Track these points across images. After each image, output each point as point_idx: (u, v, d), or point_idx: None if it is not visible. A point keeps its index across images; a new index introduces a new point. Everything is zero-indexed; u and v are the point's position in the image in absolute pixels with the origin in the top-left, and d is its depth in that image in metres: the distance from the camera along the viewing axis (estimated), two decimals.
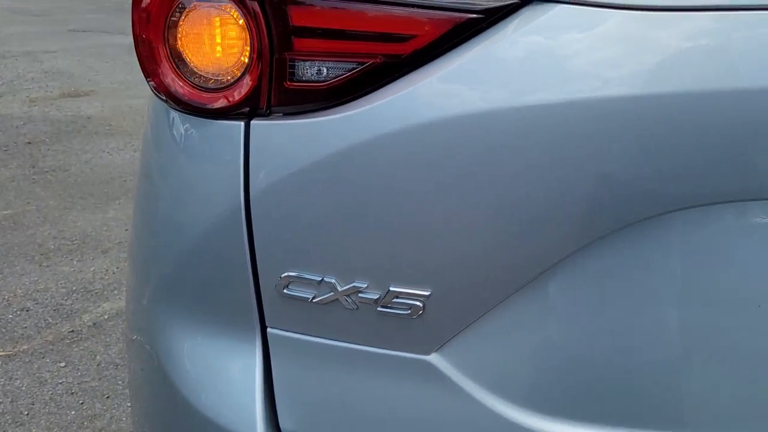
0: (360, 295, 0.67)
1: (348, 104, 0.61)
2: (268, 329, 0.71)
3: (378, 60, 0.59)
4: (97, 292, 2.58)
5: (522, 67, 0.56)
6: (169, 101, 0.65)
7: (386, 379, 0.69)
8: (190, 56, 0.63)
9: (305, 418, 0.72)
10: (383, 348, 0.69)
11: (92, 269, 2.76)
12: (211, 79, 0.63)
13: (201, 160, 0.67)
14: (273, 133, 0.64)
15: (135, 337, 0.83)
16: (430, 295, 0.64)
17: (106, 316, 2.41)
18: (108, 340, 2.26)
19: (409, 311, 0.66)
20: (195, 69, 0.63)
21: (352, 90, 0.60)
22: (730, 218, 0.59)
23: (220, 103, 0.62)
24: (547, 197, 0.58)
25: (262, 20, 0.60)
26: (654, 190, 0.57)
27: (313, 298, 0.68)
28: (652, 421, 0.64)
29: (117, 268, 2.79)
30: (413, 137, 0.59)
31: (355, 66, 0.60)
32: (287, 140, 0.63)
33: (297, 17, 0.59)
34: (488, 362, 0.66)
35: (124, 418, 1.87)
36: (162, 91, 0.65)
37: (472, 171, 0.58)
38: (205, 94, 0.63)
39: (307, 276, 0.67)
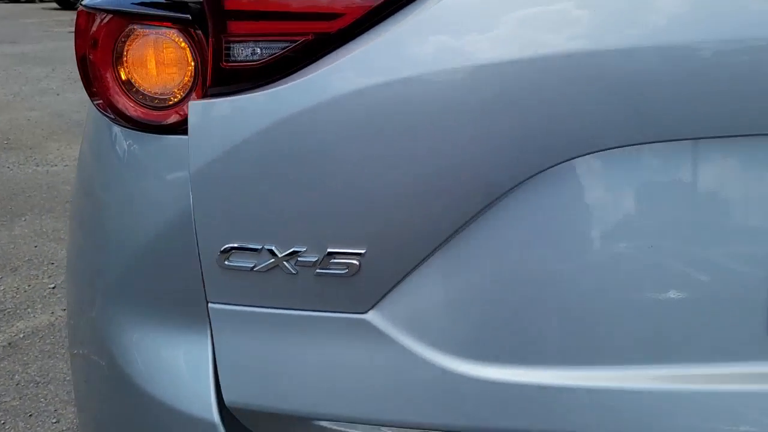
0: (299, 259, 0.70)
1: (280, 81, 0.66)
2: (210, 304, 0.74)
3: (309, 38, 0.65)
4: (9, 312, 2.50)
5: (436, 36, 0.63)
6: (119, 119, 0.71)
7: (326, 342, 0.72)
8: (137, 78, 0.69)
9: (249, 390, 0.74)
10: (322, 311, 0.72)
11: (2, 288, 2.67)
12: (157, 98, 0.70)
13: (150, 169, 0.72)
14: (210, 111, 0.68)
15: (81, 348, 0.86)
16: (364, 253, 0.68)
17: (21, 335, 2.35)
18: (25, 358, 2.21)
19: (346, 270, 0.69)
20: (142, 90, 0.70)
21: (284, 67, 0.66)
22: (625, 164, 0.66)
23: (173, 119, 0.68)
24: (461, 154, 0.64)
25: (202, 37, 0.67)
26: (556, 139, 0.64)
27: (254, 267, 0.71)
28: (575, 358, 0.70)
29: (28, 285, 2.71)
30: (340, 108, 0.65)
31: (287, 44, 0.65)
32: (223, 117, 0.67)
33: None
34: (421, 316, 0.71)
35: None
36: (110, 110, 0.71)
37: (394, 135, 0.65)
38: (154, 112, 0.69)
39: (247, 246, 0.70)
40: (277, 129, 0.66)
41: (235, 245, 0.71)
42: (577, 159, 0.66)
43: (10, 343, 2.29)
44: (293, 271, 0.71)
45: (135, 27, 0.69)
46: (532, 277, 0.69)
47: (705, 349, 0.70)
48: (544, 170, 0.66)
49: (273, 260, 0.70)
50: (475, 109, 0.64)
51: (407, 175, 0.66)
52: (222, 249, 0.71)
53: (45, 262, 2.93)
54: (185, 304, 0.75)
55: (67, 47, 10.35)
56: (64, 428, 1.87)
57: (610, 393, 0.69)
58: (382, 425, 0.72)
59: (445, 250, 0.69)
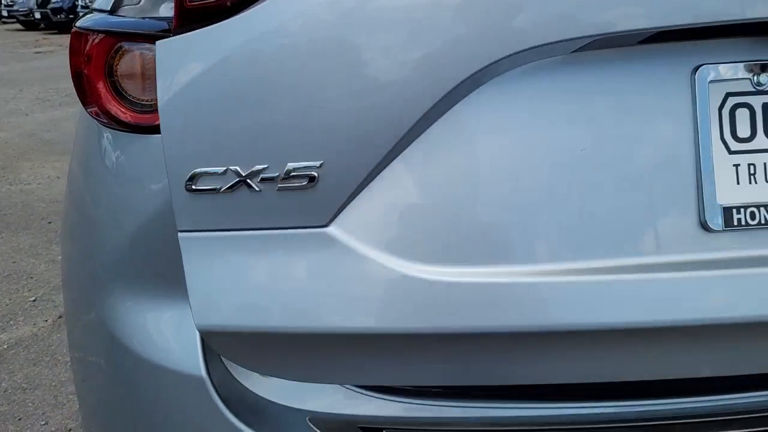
0: (262, 176, 0.75)
1: (232, 16, 0.73)
2: (179, 234, 0.78)
3: None
4: None
5: None
6: (112, 123, 0.82)
7: (291, 258, 0.77)
8: (127, 87, 0.81)
9: (218, 312, 0.78)
10: (286, 227, 0.77)
11: None
12: (144, 103, 0.81)
13: (139, 164, 0.83)
14: (172, 47, 0.75)
15: (79, 327, 0.97)
16: (322, 164, 0.74)
17: (5, 346, 2.42)
18: (11, 367, 2.28)
19: (306, 182, 0.75)
20: (131, 97, 0.82)
21: (238, 4, 0.74)
22: (555, 72, 0.73)
23: (158, 120, 0.80)
24: (397, 69, 0.71)
25: None
26: (483, 45, 0.71)
27: (220, 188, 0.76)
28: (521, 255, 0.76)
29: (9, 299, 2.78)
30: (284, 31, 0.73)
31: None
32: (185, 51, 0.74)
33: None
34: (378, 226, 0.76)
35: None
36: (103, 116, 0.83)
37: (336, 52, 0.72)
38: (142, 116, 0.81)
39: (212, 170, 0.75)
40: (232, 57, 0.73)
41: (202, 170, 0.76)
42: (507, 67, 0.73)
43: None
44: (257, 189, 0.76)
45: (123, 44, 0.81)
46: (475, 183, 0.75)
47: (642, 243, 0.76)
48: (478, 77, 0.72)
49: (237, 180, 0.76)
50: (405, 27, 0.72)
51: (353, 90, 0.73)
52: (189, 175, 0.76)
53: (24, 277, 3.00)
54: (168, 276, 0.83)
55: (33, 68, 10.32)
56: (53, 429, 1.96)
57: (553, 285, 0.76)
58: (348, 333, 0.77)
59: (395, 163, 0.75)
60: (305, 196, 0.76)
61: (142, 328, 0.86)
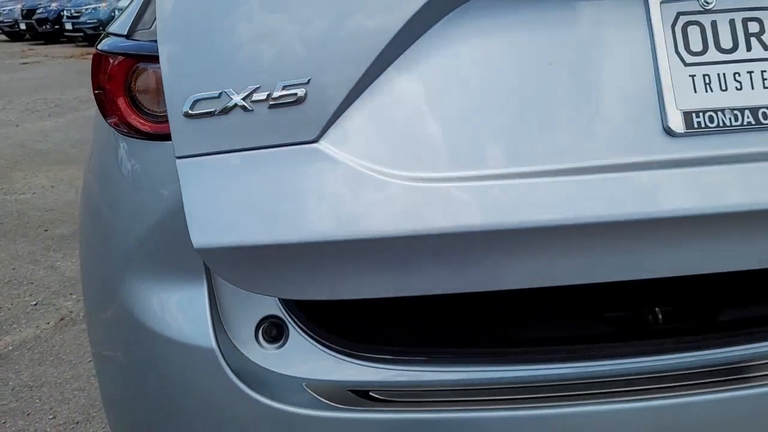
0: (254, 95, 0.81)
1: None
2: (177, 161, 0.84)
3: None
4: None
5: None
6: (131, 132, 0.95)
7: (283, 174, 0.83)
8: (143, 101, 0.94)
9: (215, 231, 0.84)
10: (278, 145, 0.83)
11: None
12: (159, 115, 0.94)
13: (155, 166, 0.95)
14: None
15: (99, 310, 1.10)
16: (309, 80, 0.81)
17: (10, 348, 2.52)
18: (17, 367, 2.39)
19: (295, 99, 0.81)
20: (147, 110, 0.94)
21: None
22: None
23: None
24: None
25: None
26: None
27: (216, 111, 0.82)
28: (497, 160, 0.83)
29: (11, 304, 2.88)
30: None
31: None
32: None
33: None
34: (364, 139, 0.83)
35: (48, 429, 2.04)
36: (123, 126, 0.95)
37: None
38: (158, 125, 0.93)
39: (208, 94, 0.82)
40: None
41: (198, 96, 0.83)
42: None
43: (0, 355, 2.47)
44: (250, 109, 0.82)
45: (140, 65, 0.94)
46: (450, 98, 0.84)
47: (612, 147, 0.83)
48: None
49: (232, 101, 0.82)
50: None
51: (333, 9, 0.81)
52: (186, 101, 0.83)
53: (24, 282, 3.10)
54: (182, 261, 0.95)
55: (20, 79, 10.37)
56: (61, 422, 2.07)
57: (532, 185, 0.83)
58: (341, 240, 0.83)
59: (377, 82, 0.83)
60: (295, 114, 0.82)
61: (159, 308, 0.98)
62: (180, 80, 0.84)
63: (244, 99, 0.83)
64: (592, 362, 0.96)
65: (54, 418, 2.10)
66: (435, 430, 0.91)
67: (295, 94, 0.82)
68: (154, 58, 0.94)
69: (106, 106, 0.98)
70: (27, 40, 18.55)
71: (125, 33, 0.98)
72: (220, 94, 0.83)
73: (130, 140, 0.99)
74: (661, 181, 0.83)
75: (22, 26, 18.55)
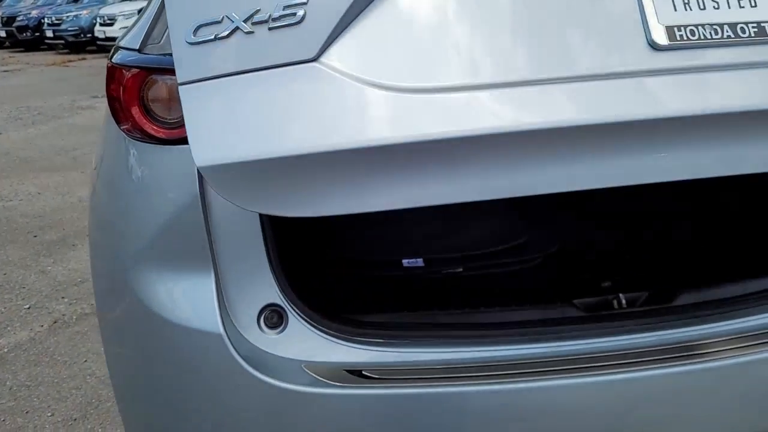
0: (255, 17, 0.85)
1: None
2: (179, 87, 0.87)
3: None
4: None
5: None
6: (144, 138, 1.04)
7: (284, 93, 0.86)
8: (156, 110, 1.03)
9: (218, 149, 0.87)
10: (278, 65, 0.86)
11: None
12: (170, 122, 1.04)
13: (167, 168, 1.04)
14: None
15: (111, 300, 1.18)
16: (308, 0, 0.85)
17: (5, 350, 2.58)
18: (13, 368, 2.45)
19: (294, 18, 0.85)
20: (159, 117, 1.04)
21: None
22: None
23: (182, 134, 0.99)
24: None
25: None
26: None
27: (218, 34, 0.85)
28: (494, 73, 0.87)
29: (4, 308, 2.93)
30: None
31: None
32: None
33: None
34: (362, 56, 0.87)
35: (47, 426, 2.11)
36: (137, 132, 1.04)
37: None
38: (169, 131, 1.03)
39: (210, 20, 0.86)
40: None
41: (200, 23, 0.87)
42: None
43: None
44: (251, 31, 0.85)
45: (153, 76, 1.04)
46: (447, 11, 0.90)
47: (602, 58, 0.89)
48: None
49: (232, 23, 0.86)
50: None
51: None
52: (189, 28, 0.86)
53: (17, 287, 3.16)
54: (191, 253, 1.04)
55: (1, 87, 10.35)
56: (60, 419, 2.14)
57: (527, 92, 0.88)
58: (343, 149, 0.86)
59: (372, 6, 0.88)
60: (295, 33, 0.86)
61: (169, 298, 1.07)
62: (183, 8, 0.89)
63: (245, 21, 0.86)
64: (561, 342, 1.07)
65: (52, 415, 2.16)
66: (420, 403, 1.01)
67: (295, 14, 0.86)
68: (165, 71, 1.04)
69: (119, 114, 1.07)
70: (7, 47, 18.42)
71: (137, 47, 1.08)
72: (222, 18, 0.87)
73: (140, 144, 1.09)
74: (650, 87, 0.90)
75: (2, 33, 18.42)
